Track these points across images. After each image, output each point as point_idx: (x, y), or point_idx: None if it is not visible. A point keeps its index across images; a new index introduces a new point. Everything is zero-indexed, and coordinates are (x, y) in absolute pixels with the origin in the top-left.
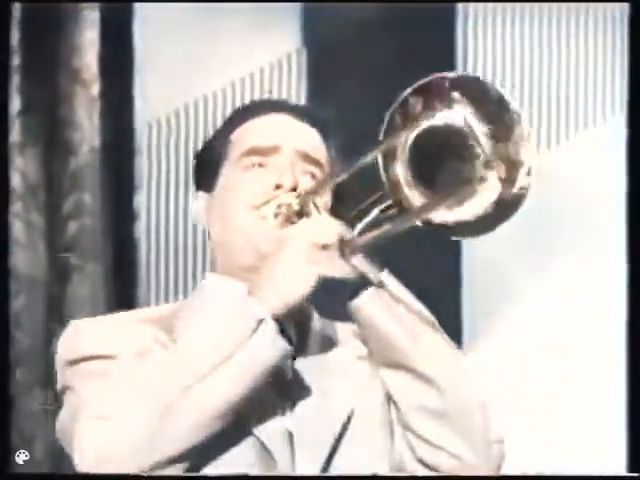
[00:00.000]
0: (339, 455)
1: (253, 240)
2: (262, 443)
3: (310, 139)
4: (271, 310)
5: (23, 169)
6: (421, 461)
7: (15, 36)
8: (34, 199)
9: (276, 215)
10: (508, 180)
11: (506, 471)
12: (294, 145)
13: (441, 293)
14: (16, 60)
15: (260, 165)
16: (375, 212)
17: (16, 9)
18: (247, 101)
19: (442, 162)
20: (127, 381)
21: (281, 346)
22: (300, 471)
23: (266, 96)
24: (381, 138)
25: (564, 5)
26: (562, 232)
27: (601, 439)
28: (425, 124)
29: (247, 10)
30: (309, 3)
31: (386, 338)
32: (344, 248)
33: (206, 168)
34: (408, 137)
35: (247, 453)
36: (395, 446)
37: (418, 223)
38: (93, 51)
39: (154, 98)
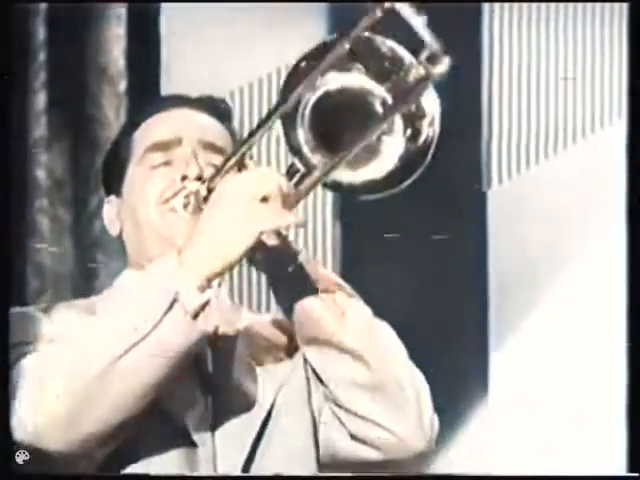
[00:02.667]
0: (262, 447)
1: (164, 233)
2: (188, 434)
3: (211, 128)
4: (208, 271)
5: (49, 165)
6: (354, 437)
7: (42, 33)
8: (60, 195)
9: (185, 205)
10: (411, 134)
11: (506, 471)
12: (195, 136)
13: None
14: (42, 56)
15: (165, 164)
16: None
17: (43, 4)
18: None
19: (343, 124)
20: (55, 360)
21: (193, 330)
22: (222, 463)
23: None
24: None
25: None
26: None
27: (601, 439)
28: (321, 89)
29: (273, 8)
30: (335, 2)
31: (310, 317)
32: (289, 197)
33: (113, 170)
34: (307, 102)
35: (172, 445)
36: (326, 427)
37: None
38: (120, 47)
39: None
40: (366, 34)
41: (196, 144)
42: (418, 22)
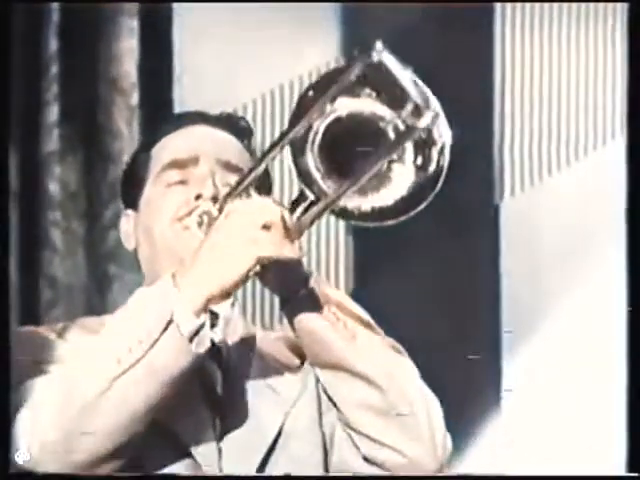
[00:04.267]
0: (269, 468)
1: (178, 251)
2: (192, 457)
3: (229, 147)
4: (206, 294)
5: (62, 177)
6: (366, 459)
7: (54, 44)
8: (74, 207)
9: (199, 224)
10: (422, 163)
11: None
12: (213, 154)
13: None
14: (55, 69)
15: (182, 182)
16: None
17: (55, 16)
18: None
19: (354, 151)
20: (53, 383)
21: (187, 352)
22: None
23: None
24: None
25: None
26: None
27: (601, 439)
28: (332, 115)
29: (286, 19)
30: (348, 11)
31: (322, 341)
32: (291, 230)
33: (131, 185)
34: (318, 128)
35: (177, 466)
36: (336, 449)
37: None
38: (132, 60)
39: (193, 107)
40: (377, 59)
41: (213, 163)
42: (404, 75)
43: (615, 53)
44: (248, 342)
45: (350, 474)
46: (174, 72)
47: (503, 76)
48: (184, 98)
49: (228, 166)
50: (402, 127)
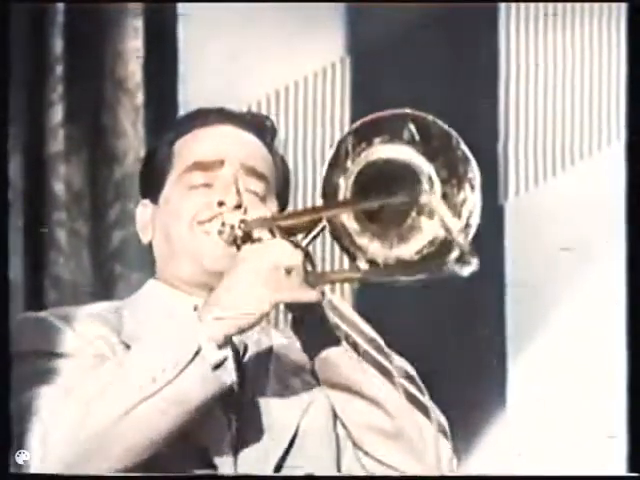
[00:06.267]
0: (285, 470)
1: (196, 254)
2: (208, 457)
3: (255, 151)
4: (224, 331)
5: (67, 177)
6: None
7: (59, 45)
8: (79, 207)
9: (220, 232)
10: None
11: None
12: (238, 158)
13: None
14: (60, 69)
15: (205, 185)
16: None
17: (60, 17)
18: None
19: (386, 197)
20: (76, 388)
21: (214, 382)
22: None
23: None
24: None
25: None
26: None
27: (601, 439)
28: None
29: (291, 20)
30: (352, 12)
31: (333, 364)
32: (311, 277)
33: (151, 177)
34: (352, 172)
35: (192, 467)
36: (345, 461)
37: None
38: (137, 60)
39: (198, 107)
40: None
41: (238, 167)
42: (455, 224)
43: (620, 54)
44: (265, 342)
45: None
46: (179, 72)
47: (507, 76)
48: (189, 98)
49: (252, 172)
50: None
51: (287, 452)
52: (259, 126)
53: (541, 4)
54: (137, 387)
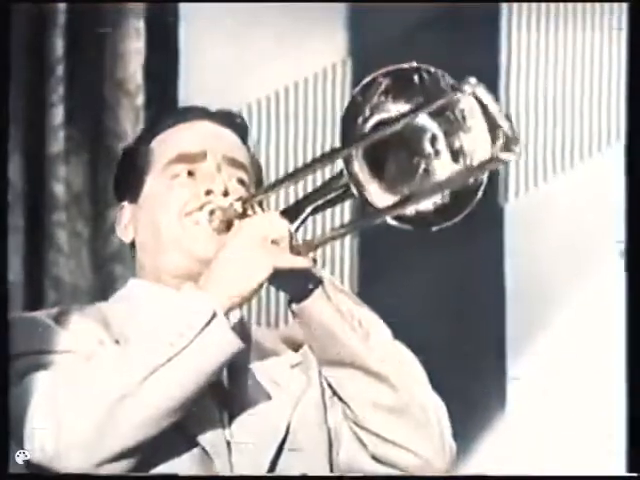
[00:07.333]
0: (280, 465)
1: (188, 245)
2: (204, 451)
3: (233, 143)
4: (227, 302)
5: (67, 178)
6: (376, 458)
7: (59, 46)
8: (79, 208)
9: (210, 220)
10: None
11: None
12: (220, 150)
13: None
14: (60, 70)
15: (189, 174)
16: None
17: (61, 18)
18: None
19: (397, 155)
20: (79, 377)
21: (233, 341)
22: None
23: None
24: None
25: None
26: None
27: (601, 439)
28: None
29: (293, 20)
30: (354, 12)
31: (334, 337)
32: (298, 245)
33: (128, 178)
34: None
35: (188, 460)
36: (344, 447)
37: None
38: (138, 61)
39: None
40: (469, 93)
41: (220, 159)
42: (495, 109)
43: (620, 54)
44: (246, 337)
45: (360, 474)
46: (180, 73)
47: (507, 77)
48: (190, 99)
49: (233, 162)
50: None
51: (280, 451)
52: (233, 122)
53: (542, 4)
54: (154, 353)
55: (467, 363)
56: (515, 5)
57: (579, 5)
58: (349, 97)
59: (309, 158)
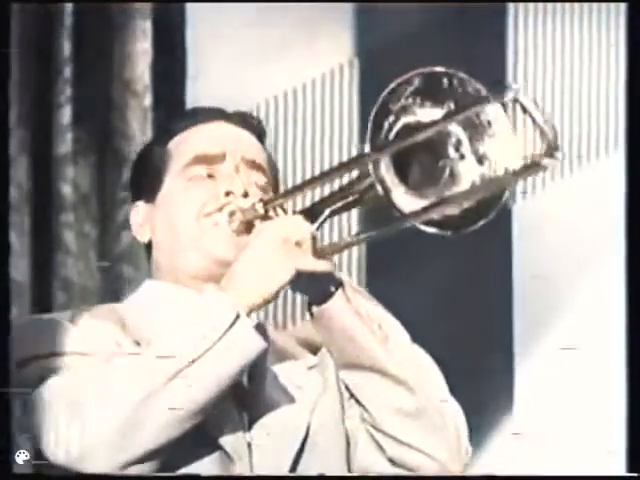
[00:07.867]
0: (300, 467)
1: (207, 246)
2: (225, 452)
3: (251, 145)
4: (249, 303)
5: (75, 180)
6: (393, 461)
7: (67, 47)
8: (87, 209)
9: (230, 222)
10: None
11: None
12: (239, 152)
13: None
14: (68, 71)
15: (208, 176)
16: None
17: (68, 19)
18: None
19: (422, 159)
20: (101, 379)
21: (257, 341)
22: None
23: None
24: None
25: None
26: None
27: (601, 439)
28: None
29: (300, 21)
30: (361, 13)
31: (354, 340)
32: (320, 248)
33: (145, 179)
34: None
35: (209, 462)
36: (360, 449)
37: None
38: (145, 62)
39: None
40: (512, 98)
41: (239, 160)
42: (539, 116)
43: (619, 55)
44: (266, 339)
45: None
46: (187, 74)
47: (514, 77)
48: (197, 100)
49: (252, 164)
50: (465, 142)
51: (300, 452)
52: (251, 123)
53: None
54: (177, 355)
55: (474, 365)
56: (514, 6)
57: (577, 5)
58: (379, 99)
59: (317, 159)
